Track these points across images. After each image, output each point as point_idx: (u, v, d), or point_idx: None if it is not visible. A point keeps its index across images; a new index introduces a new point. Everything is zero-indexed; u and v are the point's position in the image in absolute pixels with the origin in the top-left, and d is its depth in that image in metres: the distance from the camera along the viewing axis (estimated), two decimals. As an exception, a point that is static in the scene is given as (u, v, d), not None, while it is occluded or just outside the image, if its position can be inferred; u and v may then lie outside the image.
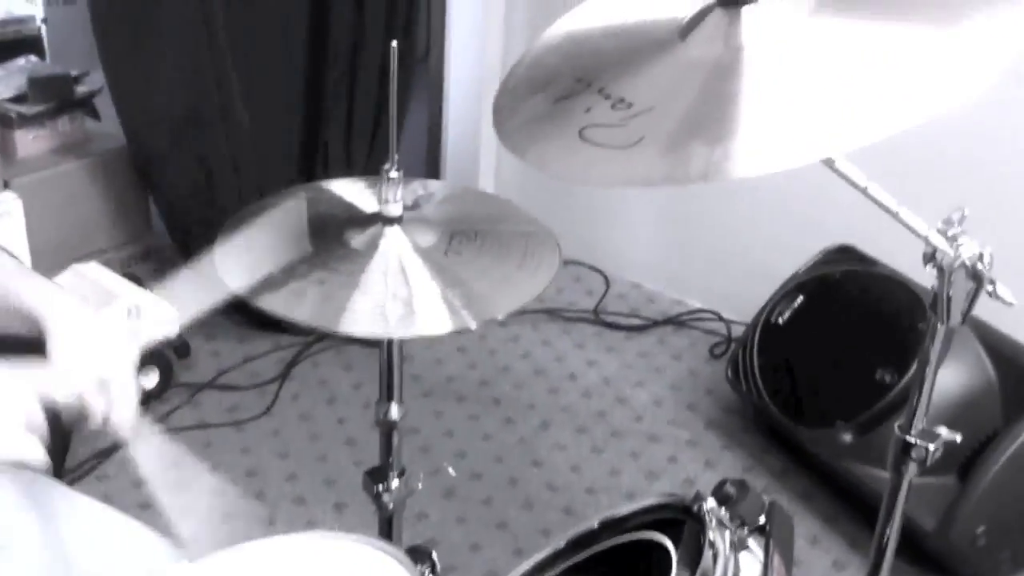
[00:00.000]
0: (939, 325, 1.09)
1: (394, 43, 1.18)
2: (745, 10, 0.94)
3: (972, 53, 0.83)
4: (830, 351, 2.10)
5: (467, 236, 1.27)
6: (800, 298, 2.17)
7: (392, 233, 1.24)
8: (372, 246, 1.23)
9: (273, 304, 1.13)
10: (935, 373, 1.13)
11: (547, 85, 0.98)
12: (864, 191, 1.01)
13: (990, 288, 1.04)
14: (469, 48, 2.73)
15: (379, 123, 2.51)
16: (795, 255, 2.23)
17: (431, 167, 2.91)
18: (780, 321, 2.17)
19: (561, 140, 0.91)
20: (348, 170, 2.51)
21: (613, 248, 2.76)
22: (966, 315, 1.08)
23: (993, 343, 1.92)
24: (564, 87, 0.95)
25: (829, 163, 1.00)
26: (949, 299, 1.06)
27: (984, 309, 1.09)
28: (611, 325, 2.59)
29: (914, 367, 1.89)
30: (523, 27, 2.67)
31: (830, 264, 2.18)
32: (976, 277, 1.04)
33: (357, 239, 1.24)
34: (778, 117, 0.87)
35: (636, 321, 2.59)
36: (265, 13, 2.31)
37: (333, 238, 1.24)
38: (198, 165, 2.35)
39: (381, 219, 1.25)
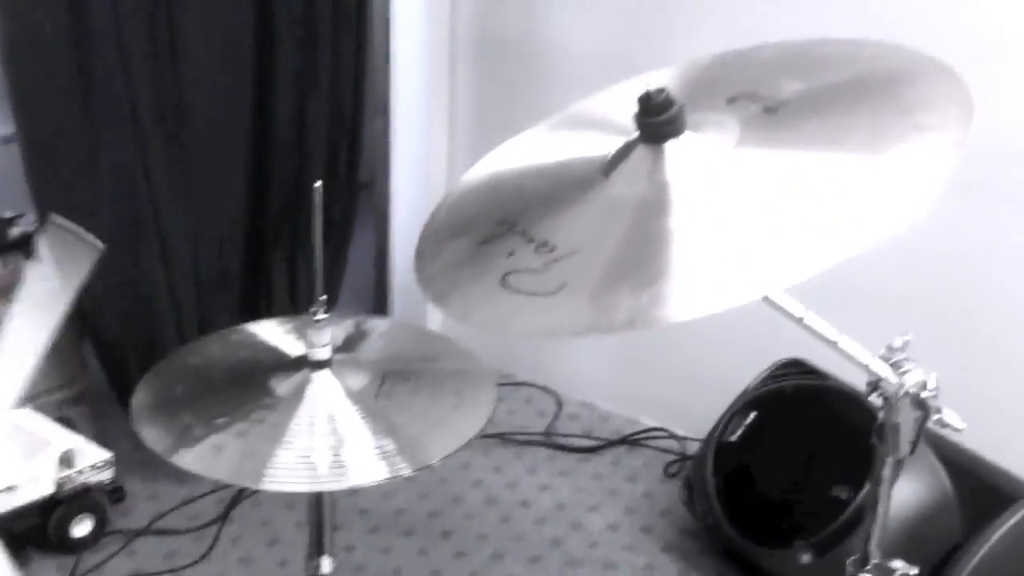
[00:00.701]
0: (887, 457, 1.05)
1: (317, 184, 1.15)
2: (668, 145, 0.92)
3: (904, 181, 0.82)
4: (785, 468, 2.05)
5: (400, 376, 1.22)
6: (753, 414, 2.13)
7: (320, 378, 1.19)
8: (299, 393, 1.18)
9: (189, 462, 1.07)
10: (887, 504, 1.09)
11: (469, 228, 0.95)
12: (800, 322, 0.99)
13: (937, 417, 1.01)
14: (413, 175, 2.73)
15: (324, 258, 2.47)
16: (747, 367, 2.20)
17: (379, 295, 2.87)
18: (733, 438, 2.13)
19: (483, 287, 0.88)
20: (292, 304, 2.46)
21: (564, 367, 2.71)
22: (915, 445, 1.04)
23: (949, 456, 1.89)
24: (486, 230, 0.92)
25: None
26: (896, 428, 1.03)
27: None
28: (564, 448, 2.53)
29: (869, 484, 1.85)
30: (466, 153, 2.68)
31: (781, 378, 2.15)
32: (922, 406, 1.01)
33: (283, 386, 1.19)
34: (709, 256, 0.84)
35: (589, 442, 2.54)
36: (205, 147, 2.28)
37: (257, 385, 1.19)
38: (135, 306, 2.29)
39: (308, 364, 1.20)
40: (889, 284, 2.13)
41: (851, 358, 1.01)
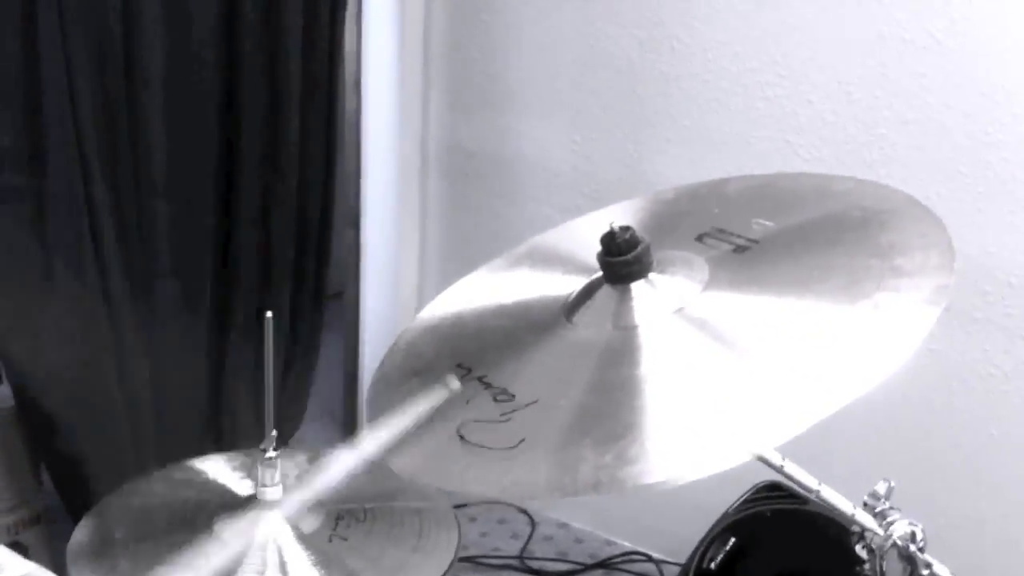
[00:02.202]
0: (873, 611, 0.98)
1: (268, 314, 1.09)
2: (634, 286, 0.87)
3: (884, 330, 0.77)
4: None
5: (356, 516, 1.15)
6: (732, 540, 2.05)
7: (270, 519, 1.12)
8: (246, 535, 1.10)
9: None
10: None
11: (425, 371, 0.89)
12: (780, 470, 0.93)
13: (926, 572, 0.95)
14: (383, 288, 2.68)
15: (288, 376, 2.41)
16: (724, 488, 2.13)
17: (348, 413, 2.80)
18: (713, 566, 2.04)
19: (437, 439, 0.81)
20: (257, 427, 2.37)
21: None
22: (903, 600, 0.97)
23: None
24: (443, 374, 0.86)
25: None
26: (883, 582, 0.97)
27: None
28: (538, 572, 2.43)
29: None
30: (437, 264, 2.64)
31: (760, 502, 2.08)
32: (910, 560, 0.95)
33: (230, 528, 1.11)
34: (682, 411, 0.78)
35: (564, 566, 2.44)
36: (165, 273, 2.23)
37: (201, 529, 1.11)
38: (92, 428, 2.21)
39: (258, 504, 1.13)
40: (870, 420, 2.09)
41: (834, 507, 0.95)
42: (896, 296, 0.78)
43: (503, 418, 0.79)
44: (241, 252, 2.36)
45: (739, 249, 0.86)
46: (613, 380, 0.81)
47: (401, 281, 2.67)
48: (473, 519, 2.59)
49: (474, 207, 2.56)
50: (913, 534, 0.96)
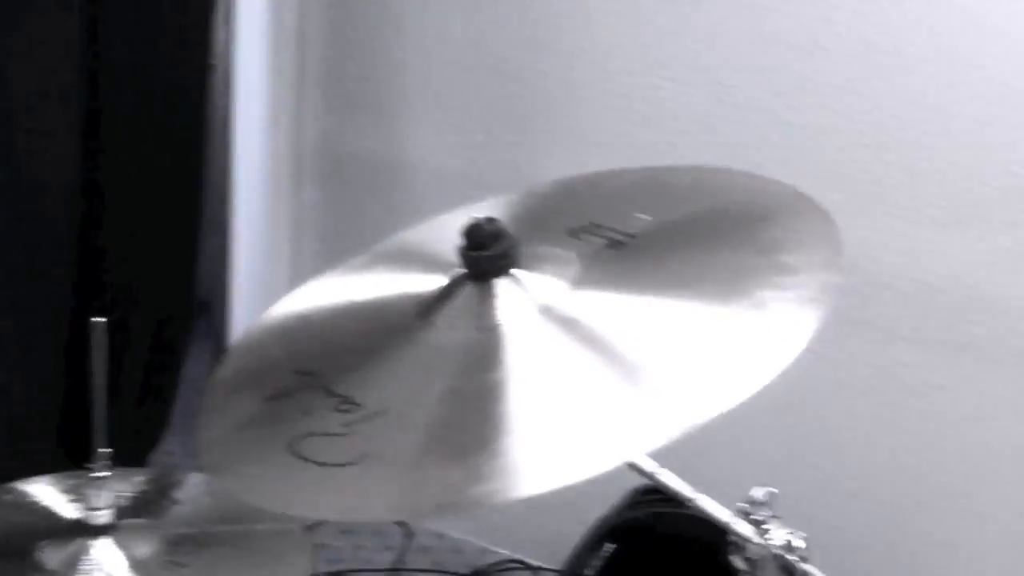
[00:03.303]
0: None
1: (97, 320, 0.98)
2: (499, 283, 0.79)
3: (767, 331, 0.71)
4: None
5: (199, 543, 1.05)
6: (610, 546, 2.01)
7: (100, 547, 1.01)
8: (72, 566, 0.99)
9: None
10: None
11: (262, 379, 0.79)
12: (652, 477, 0.87)
13: (805, 583, 0.90)
14: (252, 300, 2.57)
15: (147, 389, 2.29)
16: (601, 491, 2.09)
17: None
18: (590, 574, 2.00)
19: (270, 453, 0.72)
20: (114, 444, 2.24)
21: (413, 495, 2.55)
22: (783, 613, 0.93)
23: None
24: (281, 382, 0.77)
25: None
26: (762, 596, 0.92)
27: None
28: (413, 584, 2.34)
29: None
30: (312, 272, 2.50)
31: (638, 507, 2.04)
32: (789, 571, 0.90)
33: (54, 557, 1.00)
34: (542, 418, 0.71)
35: (440, 578, 2.36)
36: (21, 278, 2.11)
37: (21, 558, 1.00)
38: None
39: (87, 530, 1.02)
40: (745, 423, 2.08)
41: (710, 517, 0.90)
42: (780, 295, 0.73)
43: (345, 430, 0.71)
44: (103, 258, 2.24)
45: (614, 244, 0.80)
46: (471, 387, 0.74)
47: (272, 291, 2.56)
48: (346, 531, 2.49)
49: (352, 212, 2.47)
50: (791, 543, 0.91)
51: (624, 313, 0.76)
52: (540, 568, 2.35)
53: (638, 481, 2.02)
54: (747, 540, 0.90)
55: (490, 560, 2.41)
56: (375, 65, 2.36)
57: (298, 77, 2.45)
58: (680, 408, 0.69)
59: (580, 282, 0.78)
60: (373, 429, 0.71)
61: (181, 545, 1.02)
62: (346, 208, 2.47)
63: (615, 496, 2.06)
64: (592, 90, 2.11)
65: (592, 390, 0.71)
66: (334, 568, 2.34)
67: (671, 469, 0.89)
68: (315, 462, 0.69)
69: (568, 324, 0.76)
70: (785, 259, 0.75)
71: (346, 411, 0.72)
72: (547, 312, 0.77)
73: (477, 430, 0.69)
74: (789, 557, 0.90)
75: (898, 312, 1.94)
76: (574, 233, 0.82)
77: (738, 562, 0.92)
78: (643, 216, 0.82)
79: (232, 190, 2.49)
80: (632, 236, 0.81)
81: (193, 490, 1.17)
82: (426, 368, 0.77)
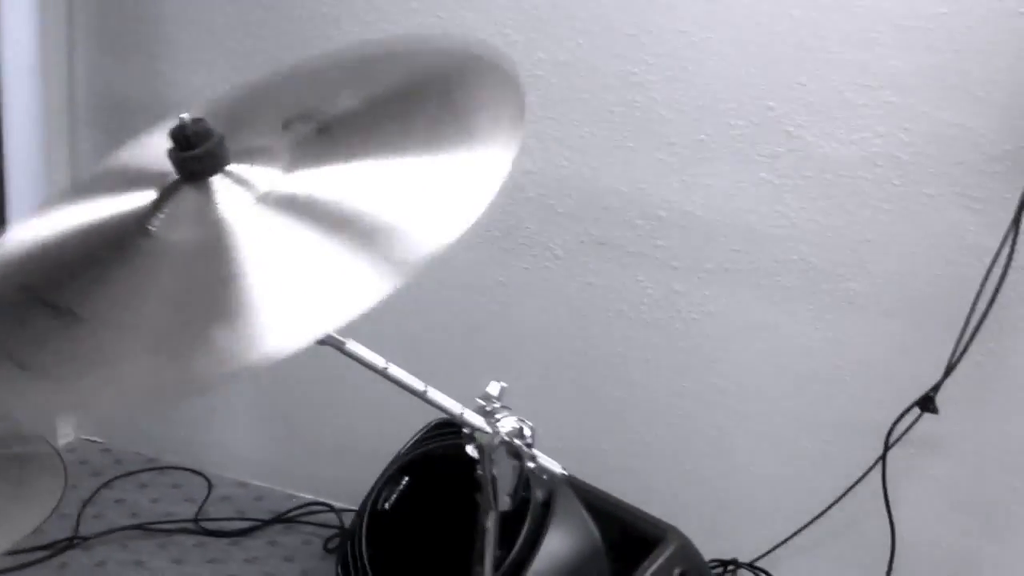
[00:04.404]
0: (489, 511, 0.99)
1: None
2: (214, 180, 0.81)
3: (457, 188, 0.76)
4: (440, 532, 1.98)
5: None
6: (405, 479, 2.05)
7: None
8: None
9: None
10: (492, 556, 1.03)
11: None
12: (383, 372, 0.91)
13: (532, 464, 0.97)
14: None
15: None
16: (403, 432, 2.13)
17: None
18: (387, 506, 2.04)
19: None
20: None
21: (214, 446, 2.53)
22: (516, 495, 0.99)
23: (596, 504, 1.89)
24: (5, 299, 0.77)
25: (338, 346, 0.89)
26: (495, 480, 0.98)
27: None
28: (214, 533, 2.33)
29: (521, 539, 1.83)
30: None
31: (432, 441, 2.09)
32: (516, 455, 0.96)
33: None
34: (277, 291, 0.74)
35: (242, 525, 2.36)
36: None
37: None
38: None
39: None
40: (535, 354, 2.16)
41: (441, 408, 0.94)
42: (469, 154, 0.78)
43: (64, 338, 0.72)
44: None
45: (323, 129, 0.83)
46: (201, 278, 0.76)
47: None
48: (144, 485, 2.46)
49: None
50: (521, 430, 0.97)
51: (335, 184, 0.80)
52: (343, 509, 2.38)
53: (433, 416, 2.09)
54: (478, 429, 0.95)
55: (293, 505, 2.43)
56: (145, 8, 2.29)
57: (67, 21, 2.36)
58: (399, 253, 0.73)
59: (293, 166, 0.81)
60: (93, 336, 0.72)
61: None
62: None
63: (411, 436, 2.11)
64: (372, 30, 2.12)
65: (315, 257, 0.75)
66: (135, 522, 2.31)
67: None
68: (32, 368, 0.70)
69: (286, 204, 0.79)
70: (475, 120, 0.80)
71: (67, 321, 0.73)
72: (264, 199, 0.80)
73: (212, 312, 0.72)
74: (516, 442, 0.96)
75: (672, 243, 2.04)
76: (287, 124, 0.85)
77: (471, 451, 0.97)
78: (348, 98, 0.85)
79: (3, 137, 2.38)
80: (339, 119, 0.84)
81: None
82: (150, 273, 0.78)
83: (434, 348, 2.25)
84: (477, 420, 0.96)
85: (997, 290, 1.77)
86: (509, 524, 1.88)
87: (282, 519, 2.38)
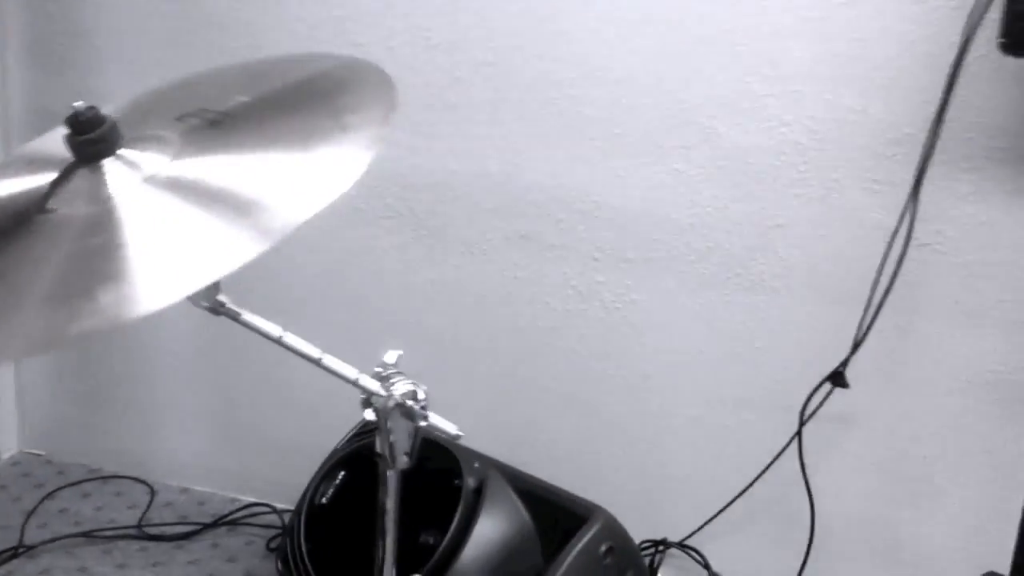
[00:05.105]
0: (388, 471, 1.05)
1: None
2: (106, 163, 0.88)
3: (324, 174, 0.83)
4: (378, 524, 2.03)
5: None
6: (342, 474, 2.10)
7: None
8: None
9: None
10: (396, 516, 1.09)
11: None
12: (279, 341, 0.97)
13: (424, 423, 1.03)
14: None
15: None
16: (341, 429, 2.18)
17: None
18: (324, 501, 2.08)
19: None
20: None
21: (157, 454, 2.56)
22: (412, 454, 1.05)
23: (525, 487, 1.95)
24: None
25: (234, 316, 0.94)
26: (392, 442, 1.04)
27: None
28: (157, 537, 2.37)
29: (454, 524, 1.88)
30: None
31: (367, 435, 2.14)
32: (410, 415, 1.02)
33: None
34: (155, 255, 0.82)
35: (184, 529, 2.39)
36: None
37: None
38: None
39: None
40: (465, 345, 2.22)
41: (337, 375, 1.00)
42: (339, 148, 0.85)
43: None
44: None
45: (214, 123, 0.90)
46: (91, 246, 0.83)
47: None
48: (87, 495, 2.48)
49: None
50: (415, 392, 1.03)
51: (217, 169, 0.88)
52: (285, 510, 2.42)
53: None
54: (373, 393, 1.01)
55: (234, 508, 2.46)
56: (79, 20, 2.33)
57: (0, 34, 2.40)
58: (264, 224, 0.80)
59: (180, 154, 0.88)
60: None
61: None
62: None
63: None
64: (296, 37, 2.17)
65: (191, 228, 0.82)
66: (79, 530, 2.33)
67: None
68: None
69: (170, 185, 0.86)
70: (349, 119, 0.87)
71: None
72: (152, 179, 0.87)
73: (98, 275, 0.79)
74: (409, 403, 1.02)
75: (593, 235, 2.12)
76: (181, 118, 0.92)
77: (368, 414, 1.03)
78: (241, 97, 0.92)
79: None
80: (229, 114, 0.91)
81: None
82: (47, 244, 0.84)
83: (369, 344, 2.30)
84: (373, 385, 1.01)
85: (898, 267, 1.85)
86: (442, 512, 1.94)
87: (224, 522, 2.42)
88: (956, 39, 1.72)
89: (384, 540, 1.09)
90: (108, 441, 2.55)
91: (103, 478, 2.54)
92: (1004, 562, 1.71)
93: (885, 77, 1.85)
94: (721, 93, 1.96)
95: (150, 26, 2.27)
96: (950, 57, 1.72)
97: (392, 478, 1.06)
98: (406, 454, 1.04)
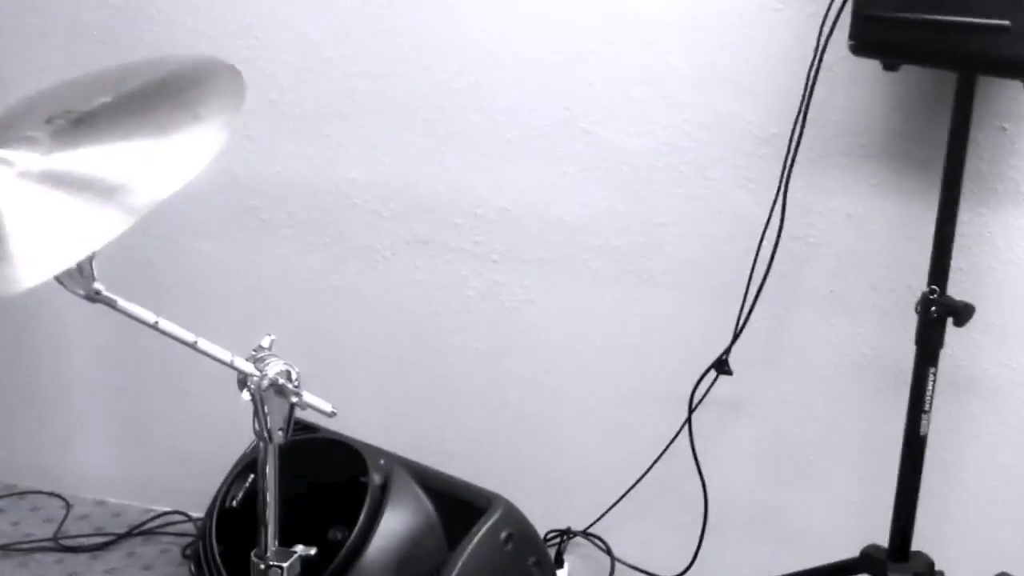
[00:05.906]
0: (265, 445, 1.13)
1: None
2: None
3: (178, 158, 0.92)
4: (287, 524, 2.08)
5: None
6: (251, 477, 2.15)
7: None
8: None
9: None
10: (275, 488, 1.16)
11: None
12: (155, 326, 1.04)
13: (295, 400, 1.10)
14: None
15: None
16: (248, 436, 2.23)
17: None
18: (235, 504, 2.13)
19: None
20: None
21: (71, 469, 2.59)
22: (288, 429, 1.12)
23: (429, 482, 2.02)
24: None
25: (111, 304, 1.01)
26: (267, 418, 1.11)
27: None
28: (73, 549, 2.39)
29: (361, 519, 1.94)
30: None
31: (275, 438, 2.19)
32: (282, 392, 1.09)
33: None
34: (32, 237, 0.90)
35: (100, 540, 2.42)
36: None
37: None
38: None
39: None
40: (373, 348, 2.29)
41: (212, 357, 1.07)
42: (192, 134, 0.94)
43: None
44: None
45: (78, 121, 0.98)
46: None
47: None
48: (2, 511, 2.50)
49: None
50: (289, 372, 1.10)
51: (84, 161, 0.97)
52: (199, 518, 2.45)
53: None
54: (248, 373, 1.08)
55: (149, 517, 2.50)
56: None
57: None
58: (128, 204, 0.89)
59: (51, 151, 0.97)
60: None
61: None
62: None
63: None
64: (205, 23, 2.22)
65: (62, 212, 0.90)
66: (-5, 546, 2.35)
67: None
68: None
69: (42, 177, 0.95)
70: (201, 110, 0.96)
71: None
72: (25, 174, 0.95)
73: None
74: (283, 382, 1.09)
75: (490, 238, 2.20)
76: (50, 120, 1.00)
77: (245, 395, 1.10)
78: (103, 98, 1.00)
79: None
80: (92, 113, 0.99)
81: None
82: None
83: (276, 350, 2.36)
84: (247, 366, 1.09)
85: (771, 259, 1.97)
86: (350, 509, 2.00)
87: (139, 531, 2.45)
88: (813, 43, 1.84)
89: (266, 509, 1.16)
90: (22, 456, 2.57)
91: (19, 494, 2.56)
92: (882, 535, 1.82)
93: (752, 81, 1.97)
94: (602, 99, 2.06)
95: (49, 49, 2.30)
96: (809, 61, 1.85)
97: (270, 452, 1.13)
98: (281, 430, 1.11)
